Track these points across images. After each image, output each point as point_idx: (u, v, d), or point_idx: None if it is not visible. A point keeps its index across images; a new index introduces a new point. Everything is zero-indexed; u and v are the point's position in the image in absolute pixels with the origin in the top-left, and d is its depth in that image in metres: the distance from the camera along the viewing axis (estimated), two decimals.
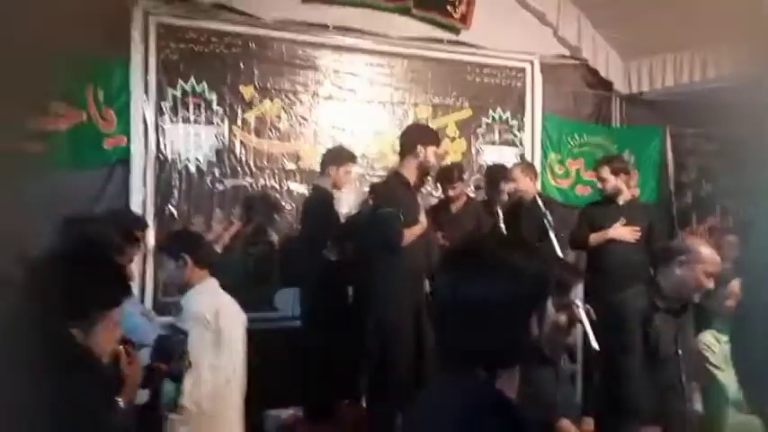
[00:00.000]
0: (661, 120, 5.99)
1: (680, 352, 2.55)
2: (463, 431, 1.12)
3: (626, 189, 4.42)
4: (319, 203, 4.17)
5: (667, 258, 2.64)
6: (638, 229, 4.27)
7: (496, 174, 4.70)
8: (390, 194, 3.73)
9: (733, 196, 5.79)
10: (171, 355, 2.41)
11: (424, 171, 3.86)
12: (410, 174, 3.79)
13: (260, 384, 3.10)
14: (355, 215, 4.47)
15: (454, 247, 1.36)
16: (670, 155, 6.03)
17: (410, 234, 3.64)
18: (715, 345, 3.31)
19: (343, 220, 4.39)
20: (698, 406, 2.94)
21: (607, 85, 5.93)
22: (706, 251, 2.59)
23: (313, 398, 4.07)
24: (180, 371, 2.46)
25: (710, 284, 2.58)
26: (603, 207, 4.45)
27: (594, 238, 4.33)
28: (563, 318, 1.52)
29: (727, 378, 3.20)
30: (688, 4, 4.67)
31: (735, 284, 3.27)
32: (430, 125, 4.97)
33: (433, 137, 3.96)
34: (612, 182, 4.34)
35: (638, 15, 5.17)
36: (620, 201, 4.38)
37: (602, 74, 5.84)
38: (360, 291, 4.07)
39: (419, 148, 3.75)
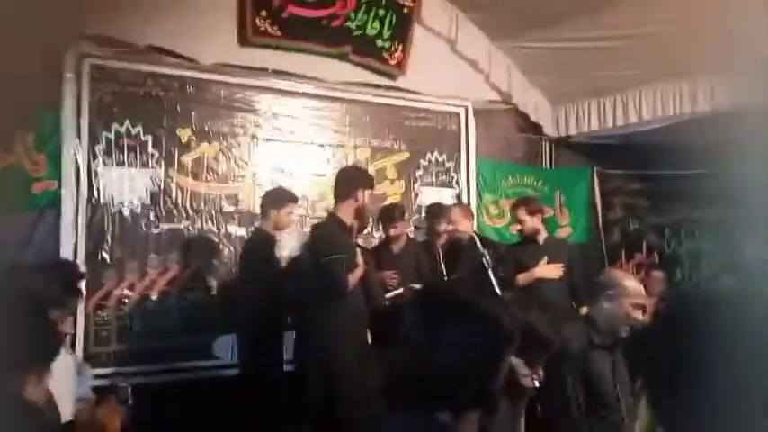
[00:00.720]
0: (588, 161, 6.29)
1: (617, 386, 2.56)
2: None
3: (543, 228, 4.54)
4: (260, 246, 4.10)
5: (595, 293, 2.68)
6: (561, 265, 4.38)
7: (435, 213, 4.78)
8: (331, 239, 3.71)
9: (657, 232, 6.11)
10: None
11: (360, 214, 3.88)
12: (347, 217, 3.79)
13: None
14: (296, 257, 4.42)
15: (428, 292, 1.38)
16: (598, 194, 6.32)
17: (353, 279, 3.64)
18: None
19: (284, 262, 4.34)
20: None
21: (537, 128, 6.18)
22: (630, 283, 2.64)
23: None
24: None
25: (639, 316, 2.59)
26: (524, 247, 4.56)
27: (522, 278, 4.37)
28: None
29: None
30: (609, 54, 4.97)
31: None
32: (368, 167, 5.03)
33: (369, 180, 3.98)
34: (530, 222, 4.46)
35: (564, 64, 5.47)
36: (540, 240, 4.50)
37: (532, 118, 6.11)
38: (302, 335, 4.01)
39: (359, 191, 3.78)
